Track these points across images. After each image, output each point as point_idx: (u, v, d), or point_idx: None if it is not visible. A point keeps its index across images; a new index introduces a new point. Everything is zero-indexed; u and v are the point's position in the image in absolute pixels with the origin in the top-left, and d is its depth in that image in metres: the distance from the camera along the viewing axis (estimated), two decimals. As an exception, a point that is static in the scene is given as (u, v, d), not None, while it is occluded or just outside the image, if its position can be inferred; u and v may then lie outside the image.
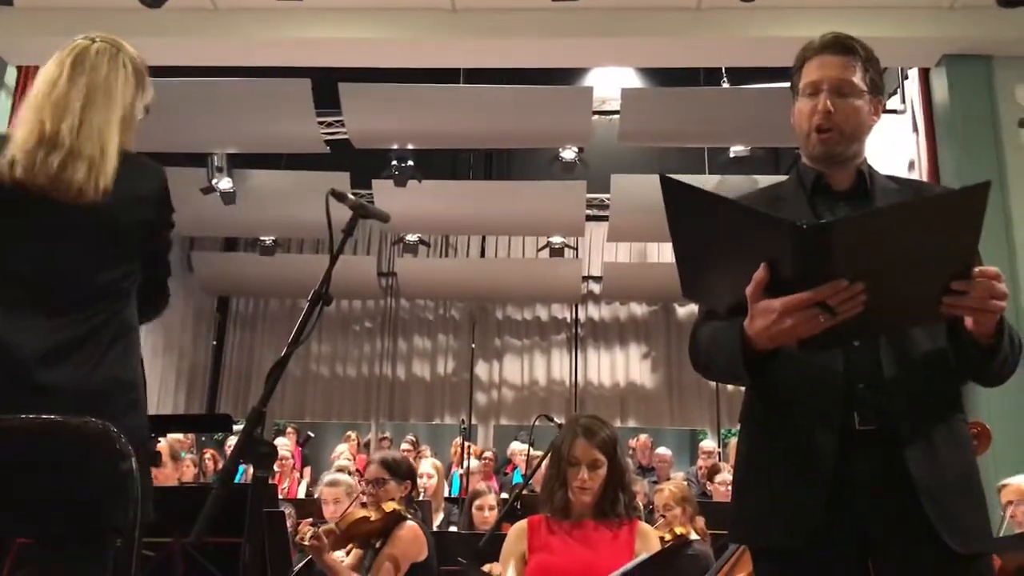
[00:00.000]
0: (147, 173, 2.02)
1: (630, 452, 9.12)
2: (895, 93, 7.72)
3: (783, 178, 2.00)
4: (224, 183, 9.37)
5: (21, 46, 7.33)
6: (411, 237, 11.78)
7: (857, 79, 1.83)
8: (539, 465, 3.43)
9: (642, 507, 5.04)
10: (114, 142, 1.94)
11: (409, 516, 3.29)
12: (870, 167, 1.88)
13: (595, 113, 9.09)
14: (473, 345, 11.15)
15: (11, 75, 7.65)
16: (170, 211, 2.06)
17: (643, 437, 9.53)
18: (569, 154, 9.50)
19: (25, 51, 7.49)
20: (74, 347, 1.86)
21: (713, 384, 10.95)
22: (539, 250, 12.21)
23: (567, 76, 9.15)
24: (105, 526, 1.75)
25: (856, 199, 1.82)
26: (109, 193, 1.89)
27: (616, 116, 8.97)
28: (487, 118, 8.40)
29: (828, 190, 1.84)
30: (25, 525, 1.85)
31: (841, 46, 1.84)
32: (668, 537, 3.64)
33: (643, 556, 2.39)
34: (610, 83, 9.72)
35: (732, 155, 9.18)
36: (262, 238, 11.54)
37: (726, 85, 8.97)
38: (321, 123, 8.78)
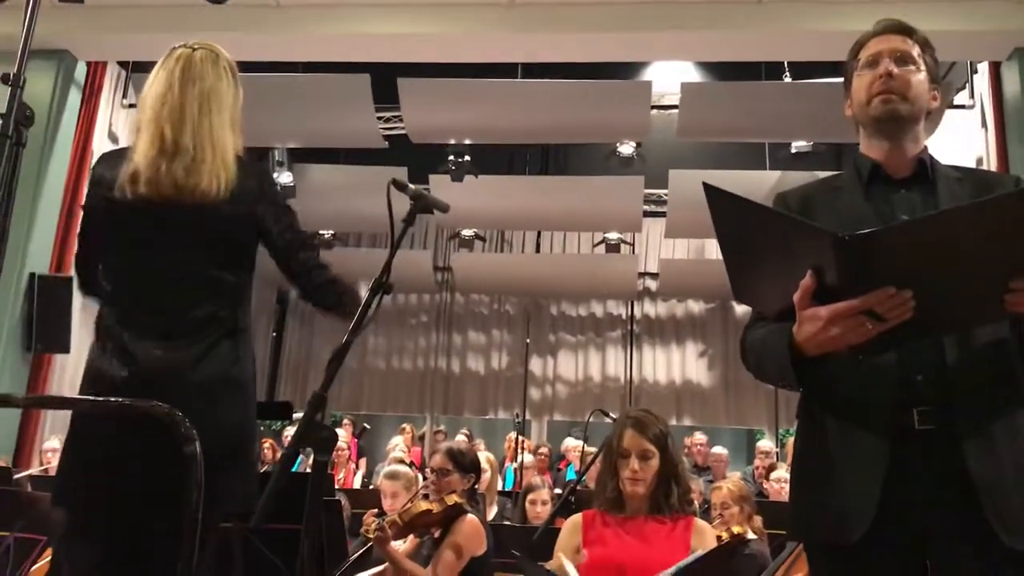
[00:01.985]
0: (251, 172, 2.09)
1: (685, 451, 9.04)
2: (963, 88, 7.52)
3: None
4: (284, 177, 9.51)
5: (91, 42, 7.53)
6: (467, 232, 11.82)
7: (916, 54, 1.80)
8: (593, 461, 3.41)
9: (698, 506, 4.99)
10: (230, 146, 2.03)
11: (471, 510, 3.30)
12: (931, 155, 1.83)
13: (654, 107, 9.02)
14: (528, 340, 11.16)
15: (81, 71, 7.85)
16: (278, 206, 2.11)
17: (698, 435, 9.43)
18: (627, 149, 9.46)
19: (94, 47, 7.70)
20: (184, 344, 1.96)
21: (771, 383, 10.82)
22: (595, 246, 12.17)
23: (625, 70, 9.11)
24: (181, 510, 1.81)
25: (916, 187, 1.78)
26: (228, 195, 1.98)
27: (675, 111, 8.89)
28: (544, 113, 8.39)
29: (886, 179, 1.80)
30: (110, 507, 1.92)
31: (899, 27, 1.83)
32: (725, 536, 3.60)
33: (699, 553, 2.36)
34: (669, 77, 9.64)
35: (794, 150, 9.05)
36: (321, 232, 11.69)
37: (788, 79, 8.82)
38: (380, 118, 8.85)
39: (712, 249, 12.02)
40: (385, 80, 8.16)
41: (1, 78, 1.68)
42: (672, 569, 2.23)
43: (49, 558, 3.72)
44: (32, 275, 7.18)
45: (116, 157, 2.09)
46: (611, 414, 3.61)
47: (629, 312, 13.16)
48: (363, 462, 9.59)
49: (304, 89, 8.09)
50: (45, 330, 7.16)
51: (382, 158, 9.38)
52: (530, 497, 4.91)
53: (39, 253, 7.37)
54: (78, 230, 2.17)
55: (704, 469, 8.58)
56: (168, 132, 2.00)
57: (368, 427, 9.34)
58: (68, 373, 8.23)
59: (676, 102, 8.74)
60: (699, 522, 2.65)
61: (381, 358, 13.30)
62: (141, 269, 2.02)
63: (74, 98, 7.79)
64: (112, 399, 1.81)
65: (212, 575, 1.94)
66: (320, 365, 13.28)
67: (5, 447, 6.95)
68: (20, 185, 1.67)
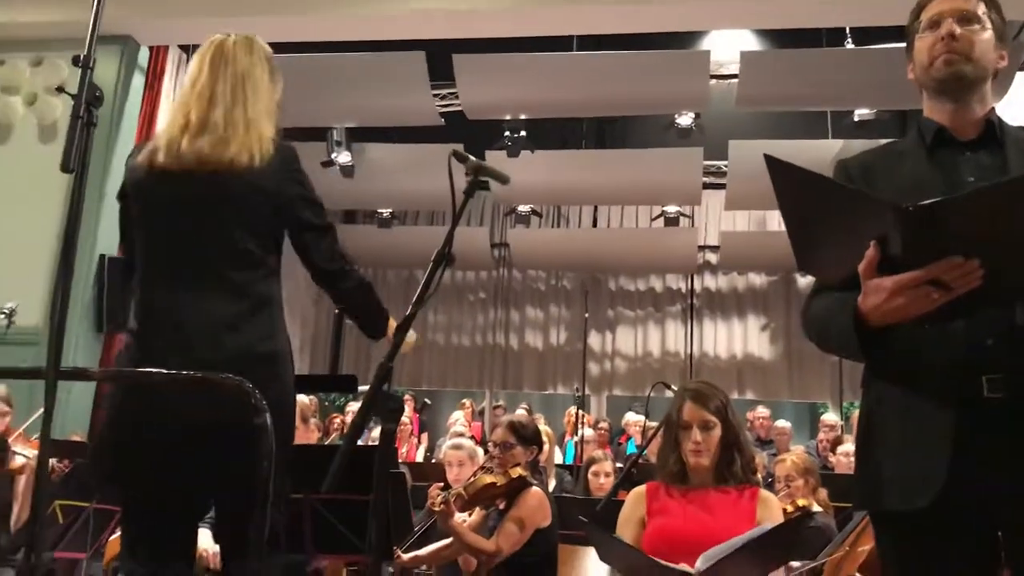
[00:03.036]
0: (280, 151, 2.12)
1: (747, 425, 8.95)
2: (1036, 48, 7.24)
3: None
4: (343, 157, 9.59)
5: (153, 27, 7.66)
6: (523, 208, 11.80)
7: (981, 12, 1.74)
8: (654, 436, 3.40)
9: (761, 479, 4.95)
10: (262, 126, 2.08)
11: (535, 482, 3.32)
12: (999, 117, 1.77)
13: (712, 77, 8.85)
14: (586, 315, 11.12)
15: (143, 55, 8.00)
16: (300, 185, 2.13)
17: (761, 409, 9.33)
18: (685, 120, 9.32)
19: (156, 32, 7.83)
20: (215, 315, 2.00)
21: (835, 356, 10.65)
22: (653, 219, 12.06)
23: (683, 40, 8.96)
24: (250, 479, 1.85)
25: (984, 149, 1.72)
26: (256, 171, 2.01)
27: (734, 80, 8.72)
28: (600, 85, 8.30)
29: (952, 141, 1.75)
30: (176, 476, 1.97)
31: None
32: (790, 509, 3.57)
33: (767, 526, 2.34)
34: (728, 46, 9.45)
35: (856, 119, 8.82)
36: (379, 210, 11.78)
37: (850, 45, 8.59)
38: (436, 95, 8.86)
39: (774, 221, 11.81)
40: (440, 57, 8.16)
41: (72, 60, 1.73)
42: (738, 540, 2.22)
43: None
44: (102, 257, 7.37)
45: (144, 147, 2.15)
46: (672, 387, 3.59)
47: (689, 286, 13.04)
48: (424, 437, 9.69)
49: (360, 69, 8.13)
50: (115, 311, 7.36)
51: (438, 135, 9.39)
52: (593, 469, 4.93)
53: (108, 235, 7.57)
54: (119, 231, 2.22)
55: (767, 443, 8.49)
56: (194, 113, 2.05)
57: (429, 402, 9.43)
58: (138, 352, 8.46)
59: (735, 71, 8.57)
60: (764, 492, 2.63)
61: (441, 334, 13.41)
62: (167, 237, 2.06)
63: (137, 82, 7.95)
64: (184, 372, 1.85)
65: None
66: (381, 341, 13.47)
67: (80, 423, 7.19)
68: (90, 167, 1.71)
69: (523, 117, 9.14)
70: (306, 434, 4.88)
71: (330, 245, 2.15)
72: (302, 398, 4.97)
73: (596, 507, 3.19)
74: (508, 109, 9.04)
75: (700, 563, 2.21)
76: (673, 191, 10.87)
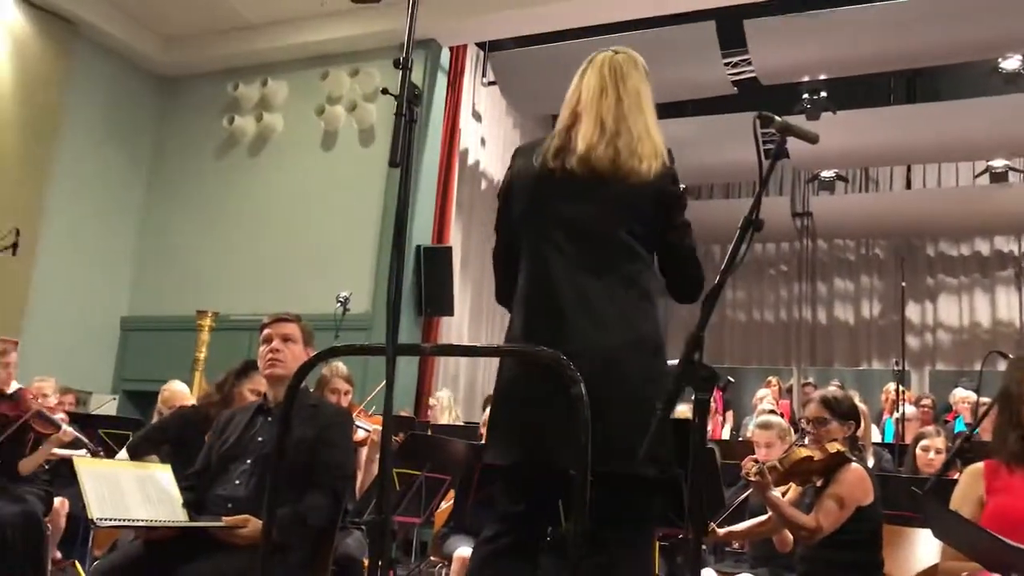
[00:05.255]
0: (660, 154, 2.26)
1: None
2: None
3: None
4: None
5: (452, 29, 8.16)
6: (827, 173, 11.28)
7: None
8: (987, 412, 3.08)
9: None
10: (656, 138, 2.26)
11: (854, 458, 3.15)
12: None
13: (1044, 11, 7.88)
14: (903, 285, 10.35)
15: (445, 56, 8.54)
16: (676, 185, 2.28)
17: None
18: (1011, 64, 8.38)
19: (456, 33, 8.33)
20: (599, 301, 2.14)
21: None
22: (976, 176, 11.02)
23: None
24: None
25: None
26: (651, 178, 2.19)
27: (1071, 12, 7.69)
28: (908, 34, 7.69)
29: None
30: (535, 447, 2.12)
31: None
32: None
33: None
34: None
35: None
36: (673, 187, 11.71)
37: None
38: (727, 64, 8.64)
39: None
40: (729, 24, 7.94)
41: (393, 63, 1.88)
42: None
43: (452, 497, 4.16)
44: (418, 247, 8.01)
45: (531, 148, 2.34)
46: (1009, 356, 3.23)
47: (1021, 248, 11.74)
48: (729, 415, 9.53)
49: (651, 43, 8.11)
50: (432, 296, 7.98)
51: (730, 105, 9.17)
52: (923, 444, 4.60)
53: (422, 226, 8.20)
54: (495, 225, 2.41)
55: None
56: (609, 122, 2.23)
57: (732, 380, 9.23)
58: (453, 333, 9.10)
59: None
60: None
61: (742, 310, 13.14)
62: (565, 232, 2.22)
63: (441, 82, 8.51)
64: (504, 345, 1.97)
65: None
66: (677, 317, 13.41)
67: (407, 400, 7.86)
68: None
69: (822, 77, 8.72)
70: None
71: (689, 237, 2.30)
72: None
73: (924, 486, 2.96)
74: (805, 71, 8.67)
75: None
76: (999, 144, 9.88)
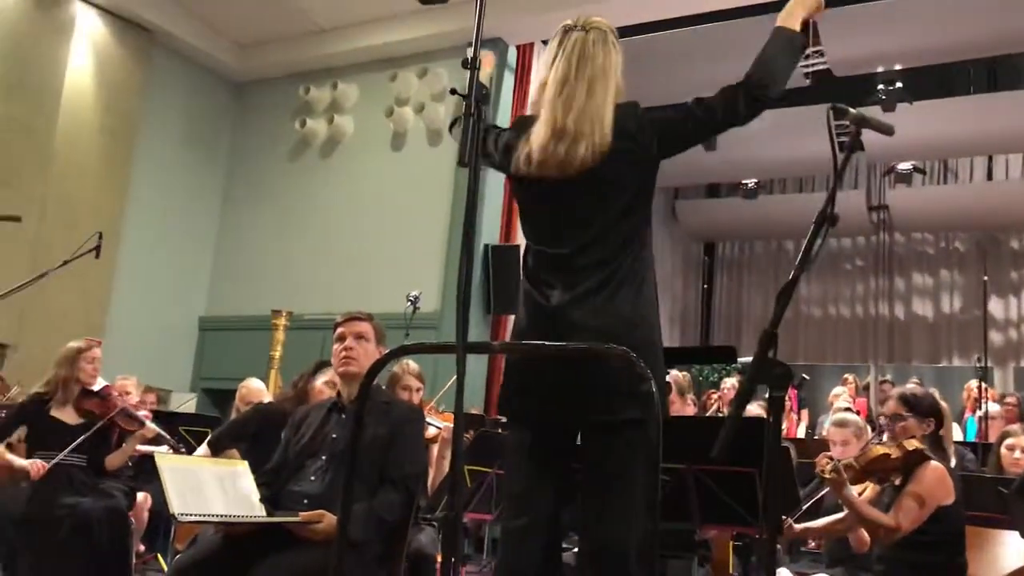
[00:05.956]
0: (626, 112, 2.22)
1: None
2: None
3: None
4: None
5: (519, 27, 8.16)
6: (903, 166, 11.00)
7: None
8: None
9: None
10: (609, 115, 2.19)
11: (934, 456, 3.06)
12: None
13: None
14: (985, 279, 10.05)
15: (512, 55, 8.55)
16: (665, 114, 2.26)
17: None
18: (1099, 48, 8.04)
19: (523, 31, 8.32)
20: (590, 291, 2.13)
21: None
22: (1062, 166, 10.59)
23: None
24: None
25: None
26: (606, 156, 2.14)
27: None
28: (987, 20, 7.45)
29: None
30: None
31: None
32: None
33: None
34: None
35: None
36: (743, 182, 11.54)
37: None
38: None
39: None
40: (801, 15, 7.77)
41: (461, 63, 1.89)
42: None
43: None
44: (486, 246, 8.04)
45: (521, 126, 2.32)
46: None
47: (1112, 239, 11.31)
48: (804, 413, 9.36)
49: (719, 38, 8.01)
50: (499, 294, 8.00)
51: (804, 97, 8.99)
52: (1008, 443, 4.44)
53: (490, 225, 8.22)
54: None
55: None
56: (559, 118, 2.19)
57: (807, 377, 9.06)
58: (522, 332, 9.09)
59: None
60: None
61: (816, 306, 12.90)
62: (545, 233, 2.24)
63: (508, 81, 8.51)
64: (571, 344, 1.98)
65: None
66: (752, 315, 13.25)
67: (477, 398, 7.89)
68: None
69: (898, 67, 8.50)
70: (683, 407, 4.94)
71: (702, 102, 2.35)
72: (675, 372, 5.04)
73: (1011, 486, 2.87)
74: (880, 60, 8.48)
75: None
76: (1087, 132, 9.46)
